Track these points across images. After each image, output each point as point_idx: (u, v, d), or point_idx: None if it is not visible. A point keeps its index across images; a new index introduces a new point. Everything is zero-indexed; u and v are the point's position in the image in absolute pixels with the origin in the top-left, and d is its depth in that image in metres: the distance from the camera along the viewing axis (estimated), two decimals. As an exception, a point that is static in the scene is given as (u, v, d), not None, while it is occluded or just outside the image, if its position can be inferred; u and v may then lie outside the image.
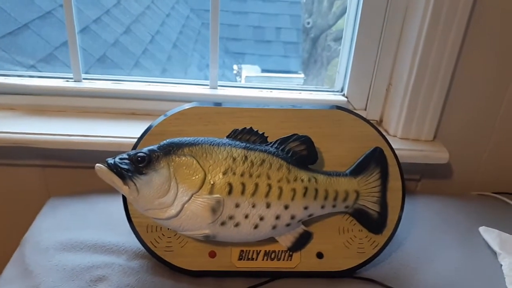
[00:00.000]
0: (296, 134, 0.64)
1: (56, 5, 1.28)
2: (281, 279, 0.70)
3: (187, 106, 0.67)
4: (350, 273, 0.70)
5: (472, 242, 0.79)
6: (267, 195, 0.61)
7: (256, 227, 0.62)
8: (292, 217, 0.63)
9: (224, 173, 0.60)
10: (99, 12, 1.45)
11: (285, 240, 0.67)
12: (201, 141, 0.62)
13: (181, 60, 1.80)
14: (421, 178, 0.99)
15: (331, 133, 0.68)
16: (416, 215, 0.84)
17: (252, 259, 0.69)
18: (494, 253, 0.76)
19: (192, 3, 2.14)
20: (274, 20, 2.18)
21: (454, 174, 0.98)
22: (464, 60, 0.86)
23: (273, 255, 0.69)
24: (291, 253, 0.69)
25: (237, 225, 0.61)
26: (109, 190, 0.73)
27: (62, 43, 1.20)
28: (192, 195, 0.59)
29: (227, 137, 0.64)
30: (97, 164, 0.57)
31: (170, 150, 0.60)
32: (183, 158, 0.60)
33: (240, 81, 1.90)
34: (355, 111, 0.71)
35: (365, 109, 0.94)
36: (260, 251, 0.69)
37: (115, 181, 0.57)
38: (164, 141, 0.61)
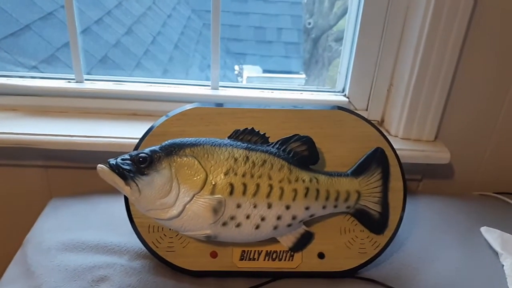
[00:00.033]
0: (298, 134, 0.64)
1: (57, 6, 1.29)
2: (283, 279, 0.70)
3: (188, 106, 0.67)
4: (351, 274, 0.70)
5: (473, 242, 0.79)
6: (268, 195, 0.61)
7: (257, 227, 0.62)
8: (294, 218, 0.63)
9: (226, 174, 0.60)
10: (100, 13, 1.45)
11: (287, 241, 0.67)
12: (203, 141, 0.62)
13: (182, 61, 1.80)
14: (422, 178, 0.99)
15: (332, 134, 0.68)
16: (417, 215, 0.84)
17: (254, 259, 0.69)
18: (496, 253, 0.76)
19: (193, 4, 2.15)
20: (275, 20, 2.18)
21: (456, 174, 0.98)
22: (465, 60, 0.86)
23: (274, 256, 0.69)
24: (292, 253, 0.69)
25: (238, 225, 0.61)
26: (111, 191, 0.73)
27: (64, 44, 1.20)
28: (193, 196, 0.59)
29: (229, 137, 0.64)
30: (99, 165, 0.57)
31: (171, 150, 0.60)
32: (185, 158, 0.60)
33: (242, 82, 1.90)
34: (356, 111, 0.70)
35: (367, 110, 0.94)
36: (262, 251, 0.69)
37: (117, 181, 0.57)
38: (166, 142, 0.61)
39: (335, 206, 0.66)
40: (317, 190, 0.64)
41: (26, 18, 1.19)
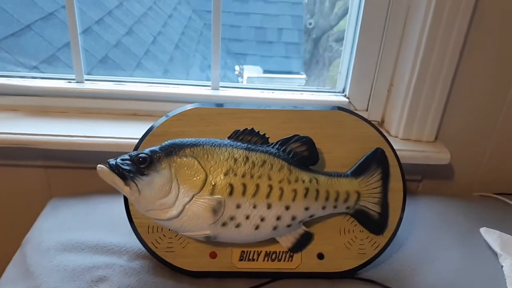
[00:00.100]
0: (297, 135, 0.64)
1: (58, 6, 1.29)
2: (282, 279, 0.70)
3: (188, 107, 0.67)
4: (350, 274, 0.70)
5: (473, 243, 0.79)
6: (268, 196, 0.61)
7: (257, 227, 0.62)
8: (293, 218, 0.63)
9: (225, 174, 0.60)
10: (101, 13, 1.45)
11: (286, 241, 0.67)
12: (203, 142, 0.62)
13: (183, 61, 1.80)
14: (422, 179, 0.99)
15: (332, 134, 0.68)
16: (417, 216, 0.84)
17: (253, 259, 0.69)
18: (495, 254, 0.76)
19: (194, 4, 2.15)
20: (276, 21, 2.19)
21: (455, 175, 0.98)
22: (466, 61, 0.86)
23: (274, 256, 0.69)
24: (291, 253, 0.69)
25: (238, 225, 0.61)
26: (111, 191, 0.73)
27: (64, 44, 1.21)
28: (193, 196, 0.59)
29: (229, 138, 0.64)
30: (98, 165, 0.57)
31: (171, 151, 0.60)
32: (185, 159, 0.60)
33: (242, 82, 1.90)
34: (356, 112, 0.71)
35: (367, 110, 0.94)
36: (261, 251, 0.69)
37: (117, 182, 0.57)
38: (166, 142, 0.61)
39: (335, 207, 0.66)
40: (317, 191, 0.64)
41: (27, 18, 1.19)
